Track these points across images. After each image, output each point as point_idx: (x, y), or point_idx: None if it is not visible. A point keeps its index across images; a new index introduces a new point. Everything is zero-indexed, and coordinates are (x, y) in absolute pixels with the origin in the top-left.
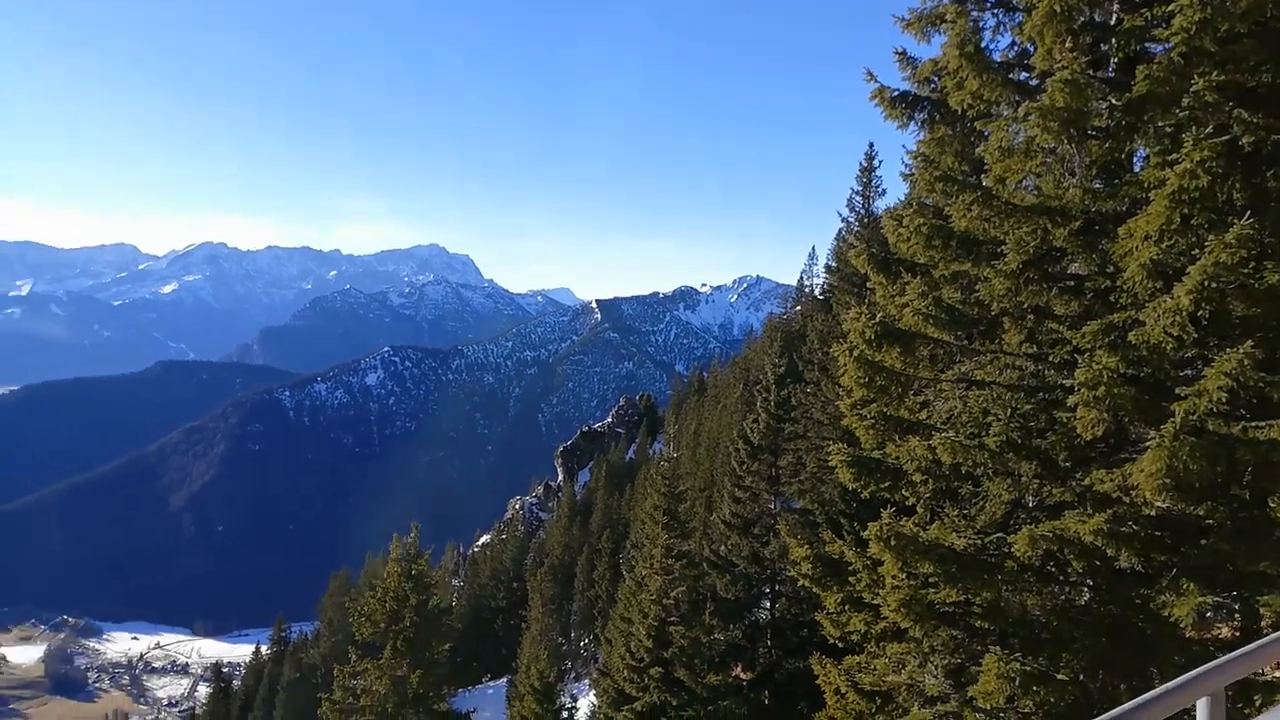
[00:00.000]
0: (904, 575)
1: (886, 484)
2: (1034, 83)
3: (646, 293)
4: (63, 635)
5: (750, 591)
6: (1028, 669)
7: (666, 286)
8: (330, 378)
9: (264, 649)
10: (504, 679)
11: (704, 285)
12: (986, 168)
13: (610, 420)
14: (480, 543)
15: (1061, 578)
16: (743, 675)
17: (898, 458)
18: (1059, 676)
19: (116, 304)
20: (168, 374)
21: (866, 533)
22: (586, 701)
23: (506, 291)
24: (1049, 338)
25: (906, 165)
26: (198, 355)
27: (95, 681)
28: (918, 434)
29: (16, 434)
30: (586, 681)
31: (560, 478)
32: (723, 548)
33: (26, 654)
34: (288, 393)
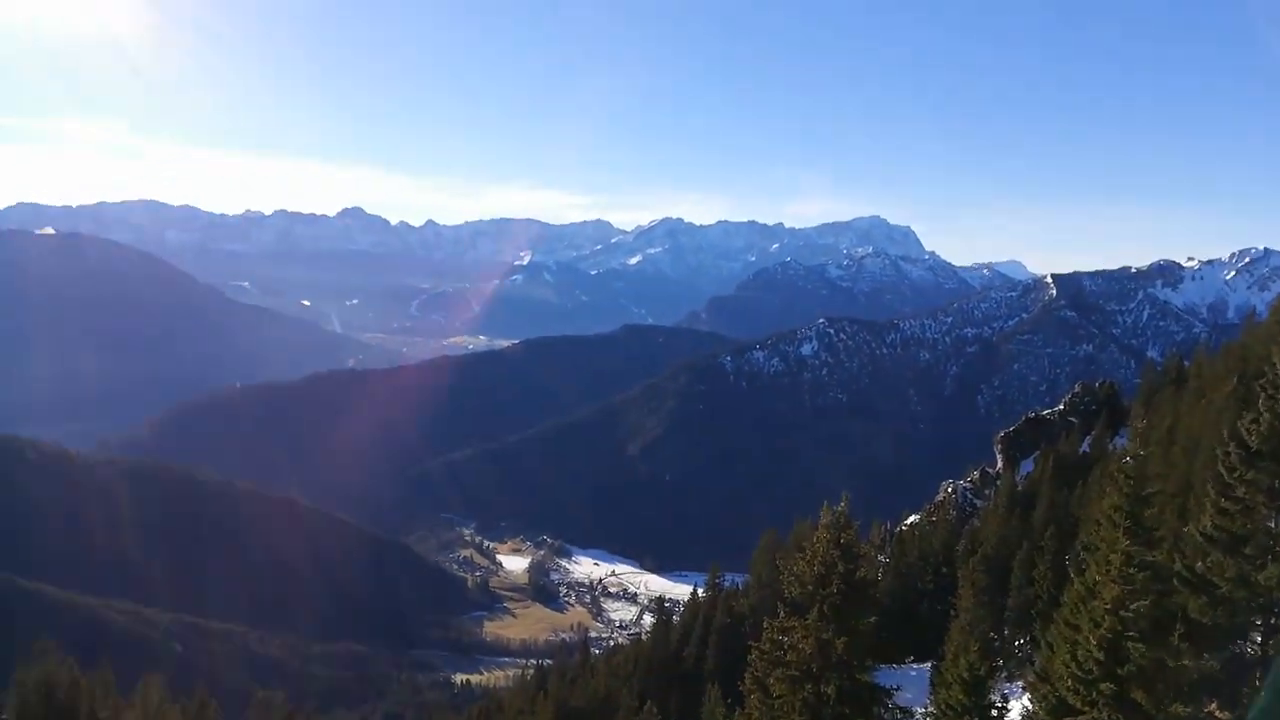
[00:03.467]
0: None
1: None
2: None
3: (1114, 267)
4: (542, 553)
5: (1234, 619)
6: None
7: (1139, 260)
8: (768, 346)
9: (700, 591)
10: (928, 664)
11: (1190, 259)
12: None
13: (1062, 407)
14: (908, 522)
15: None
16: (1218, 714)
17: None
18: None
19: (593, 273)
20: (631, 336)
21: None
22: (1019, 705)
23: (949, 264)
24: None
25: None
26: (655, 320)
27: (564, 596)
28: None
29: (519, 380)
30: (1020, 684)
31: (999, 464)
32: (1200, 564)
33: (516, 564)
34: (729, 358)
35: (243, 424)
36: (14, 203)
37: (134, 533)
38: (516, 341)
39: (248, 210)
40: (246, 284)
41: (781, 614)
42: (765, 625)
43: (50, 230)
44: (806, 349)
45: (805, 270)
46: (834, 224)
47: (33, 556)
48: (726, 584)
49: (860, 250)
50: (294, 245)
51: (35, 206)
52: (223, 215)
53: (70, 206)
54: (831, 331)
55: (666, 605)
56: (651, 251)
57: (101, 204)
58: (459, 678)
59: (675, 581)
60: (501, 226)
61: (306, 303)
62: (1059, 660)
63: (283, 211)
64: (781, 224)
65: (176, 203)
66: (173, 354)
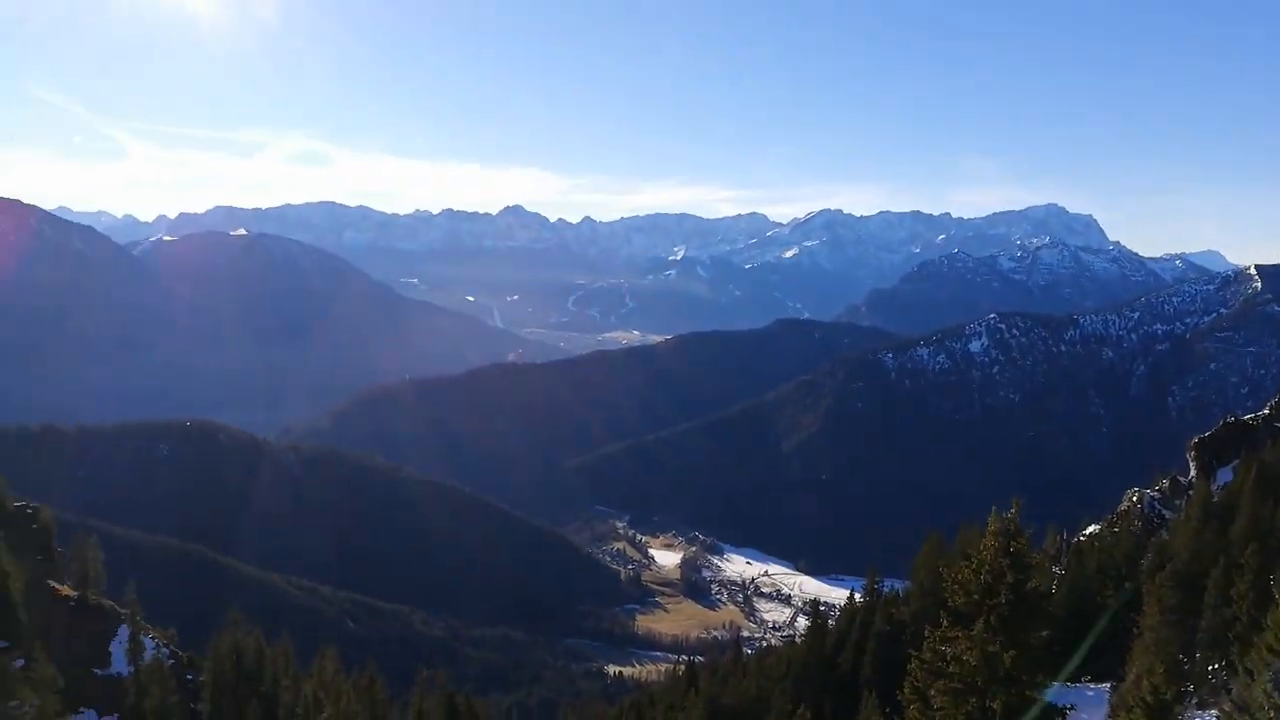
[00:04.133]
0: None
1: None
2: None
3: None
4: (695, 549)
5: None
6: None
7: None
8: (933, 342)
9: (857, 595)
10: (1106, 685)
11: None
12: None
13: (1267, 412)
14: (1087, 531)
15: None
16: None
17: None
18: None
19: (747, 267)
20: (785, 331)
21: None
22: None
23: (1136, 255)
24: None
25: None
26: (811, 315)
27: (716, 593)
28: None
29: (670, 375)
30: (1214, 712)
31: (1193, 473)
32: None
33: (667, 559)
34: (890, 355)
35: (411, 415)
36: (212, 206)
37: (312, 515)
38: (670, 336)
39: (417, 210)
40: (416, 280)
41: (944, 623)
42: (927, 634)
43: (242, 231)
44: (975, 346)
45: (974, 262)
46: (1006, 213)
47: (225, 533)
48: (885, 589)
49: (1035, 240)
50: (459, 243)
51: (230, 210)
52: (394, 215)
53: (259, 209)
54: (1003, 327)
55: (821, 608)
56: (808, 244)
57: (286, 206)
58: (612, 669)
59: (830, 585)
60: (655, 222)
61: (471, 298)
62: (1259, 688)
63: (449, 211)
64: (948, 214)
65: (353, 204)
66: (349, 348)
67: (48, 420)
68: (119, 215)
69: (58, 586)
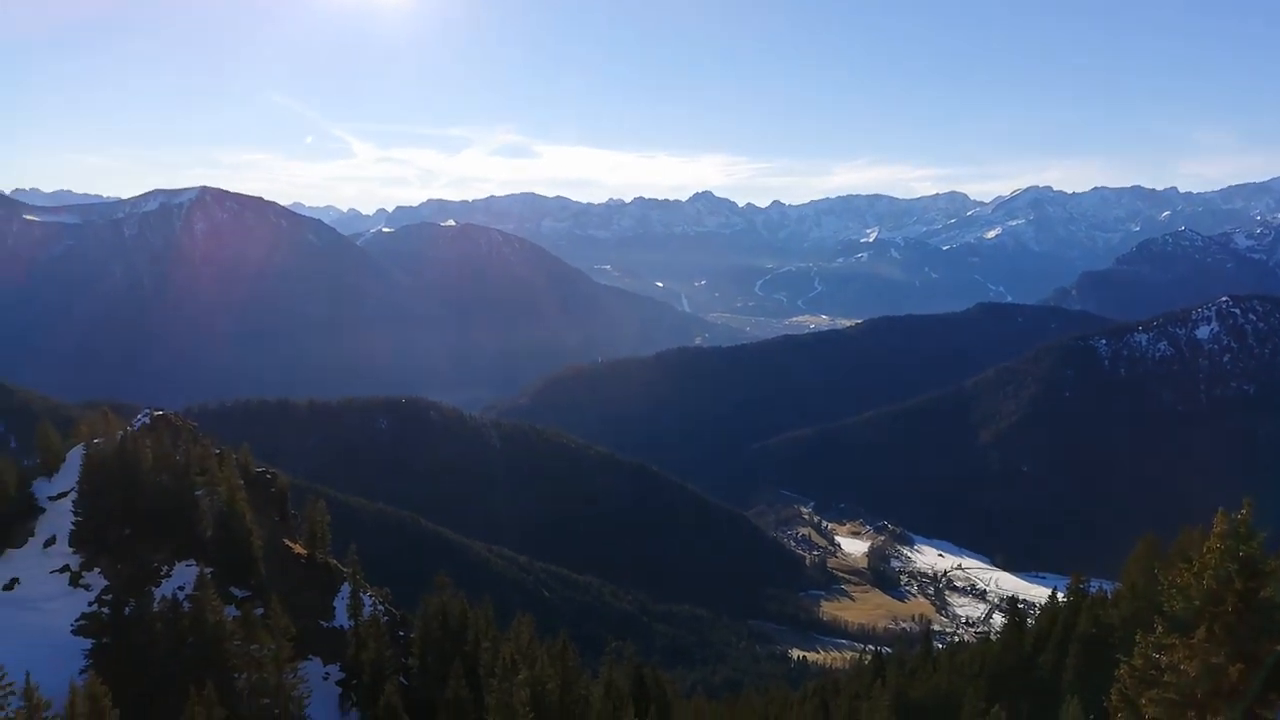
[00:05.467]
0: None
1: None
2: None
3: None
4: (883, 538)
5: None
6: None
7: None
8: (1153, 328)
9: (1060, 595)
10: None
11: None
12: None
13: None
14: None
15: None
16: None
17: None
18: None
19: (945, 249)
20: (985, 315)
21: None
22: None
23: None
24: None
25: None
26: (1014, 299)
27: (905, 584)
28: None
29: (860, 360)
30: None
31: None
32: None
33: (854, 546)
34: (1104, 341)
35: (602, 395)
36: (426, 200)
37: (510, 488)
38: (860, 320)
39: (610, 199)
40: (608, 267)
41: (1159, 629)
42: (1139, 640)
43: (451, 222)
44: (1203, 332)
45: (1204, 241)
46: (1243, 186)
47: (434, 502)
48: (1092, 589)
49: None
50: (649, 230)
51: (440, 202)
52: (589, 205)
53: (467, 201)
54: (1237, 311)
55: (1020, 606)
56: (1013, 224)
57: (491, 198)
58: (796, 653)
59: (1029, 582)
60: (847, 203)
61: (660, 284)
62: None
63: (641, 199)
64: (1174, 188)
65: (551, 195)
66: (547, 331)
67: (283, 395)
68: (344, 209)
69: (291, 545)
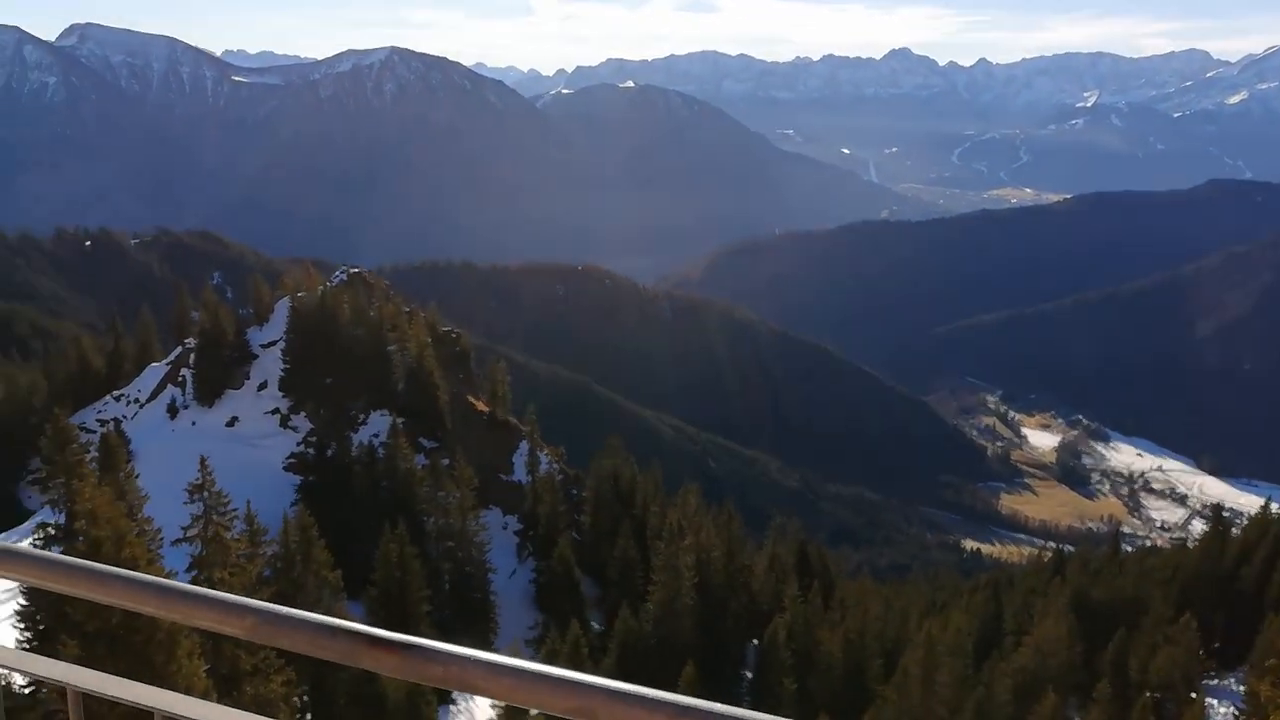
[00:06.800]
0: None
1: None
2: None
3: None
4: (1076, 433)
5: None
6: None
7: None
8: None
9: (1275, 505)
10: None
11: None
12: None
13: None
14: None
15: None
16: None
17: None
18: None
19: (1175, 116)
20: (1218, 193)
21: None
22: None
23: None
24: None
25: None
26: (1255, 175)
27: (1096, 483)
28: None
29: (1069, 240)
30: None
31: None
32: None
33: (1043, 440)
34: None
35: (778, 269)
36: (605, 59)
37: (680, 359)
38: (1069, 196)
39: (797, 58)
40: (791, 131)
41: None
42: None
43: (630, 83)
44: None
45: None
46: None
47: (606, 368)
48: None
49: None
50: (837, 91)
51: (620, 62)
52: (774, 64)
53: (646, 61)
54: None
55: (1225, 514)
56: (1262, 87)
57: (671, 57)
58: (969, 544)
59: (1240, 489)
60: (1063, 62)
61: (846, 150)
62: None
63: (830, 57)
64: None
65: (734, 53)
66: (725, 199)
67: (465, 256)
68: (525, 70)
69: (474, 401)
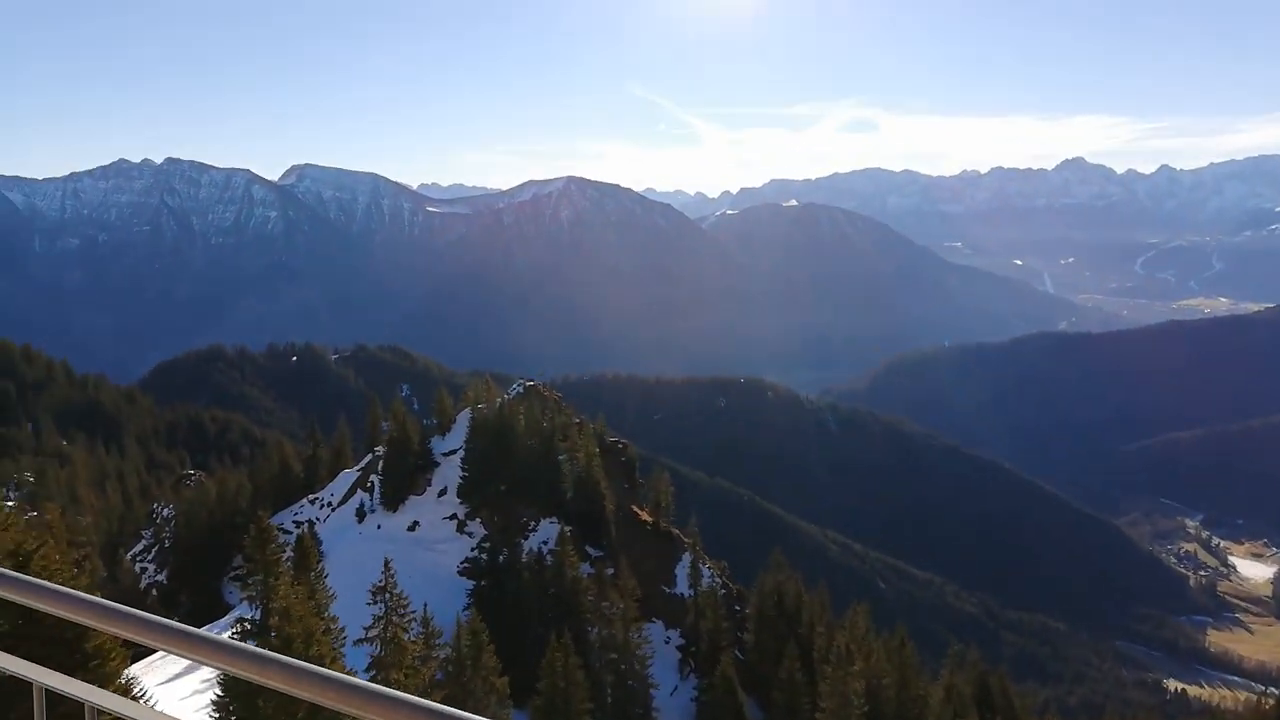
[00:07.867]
0: None
1: None
2: None
3: None
4: None
5: None
6: None
7: None
8: None
9: None
10: None
11: None
12: None
13: None
14: None
15: None
16: None
17: None
18: None
19: None
20: None
21: None
22: None
23: None
24: None
25: None
26: None
27: None
28: None
29: (1268, 351)
30: None
31: None
32: None
33: (1255, 570)
34: None
35: (948, 382)
36: (768, 180)
37: (846, 473)
38: (1271, 305)
39: (963, 171)
40: (959, 244)
41: None
42: None
43: (793, 202)
44: None
45: None
46: None
47: (768, 481)
48: None
49: None
50: (1007, 203)
51: (783, 182)
52: (939, 178)
53: (809, 180)
54: None
55: None
56: None
57: (834, 175)
58: (1172, 684)
59: None
60: (1257, 165)
61: (1018, 262)
62: None
63: (999, 169)
64: None
65: (898, 169)
66: (890, 312)
67: (631, 370)
68: (691, 193)
69: (638, 511)
